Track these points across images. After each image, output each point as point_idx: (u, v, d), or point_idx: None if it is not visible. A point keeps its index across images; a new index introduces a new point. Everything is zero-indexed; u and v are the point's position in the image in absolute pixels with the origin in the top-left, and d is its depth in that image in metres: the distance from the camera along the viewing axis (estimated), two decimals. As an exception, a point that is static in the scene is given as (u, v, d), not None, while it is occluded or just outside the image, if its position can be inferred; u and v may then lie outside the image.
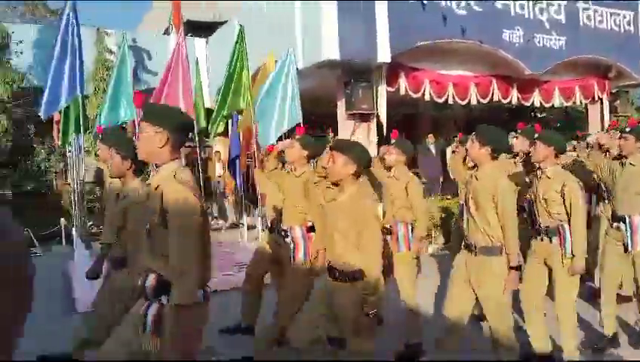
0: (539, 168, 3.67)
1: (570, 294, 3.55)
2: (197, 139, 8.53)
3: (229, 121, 8.97)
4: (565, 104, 11.40)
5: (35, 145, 10.32)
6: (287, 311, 3.72)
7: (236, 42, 8.38)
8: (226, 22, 12.72)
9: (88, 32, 10.64)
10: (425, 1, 8.86)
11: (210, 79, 12.33)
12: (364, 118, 9.06)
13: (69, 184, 10.25)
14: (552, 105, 11.12)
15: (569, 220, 3.48)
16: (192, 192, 2.10)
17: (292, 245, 3.87)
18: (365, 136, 8.95)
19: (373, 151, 9.04)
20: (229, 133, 9.22)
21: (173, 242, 2.05)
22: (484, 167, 3.22)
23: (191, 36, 12.35)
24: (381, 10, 8.57)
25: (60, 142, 7.97)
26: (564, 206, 3.50)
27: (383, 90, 9.09)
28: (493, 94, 10.16)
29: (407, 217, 4.16)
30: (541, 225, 3.63)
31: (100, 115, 7.98)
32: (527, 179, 4.14)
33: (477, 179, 3.26)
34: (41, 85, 9.89)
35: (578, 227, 3.44)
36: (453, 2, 9.17)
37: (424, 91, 9.51)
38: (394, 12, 8.61)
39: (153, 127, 2.17)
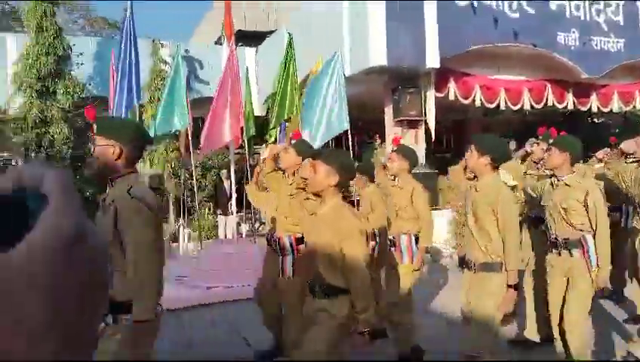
0: (553, 175, 3.45)
1: (586, 309, 3.31)
2: (246, 146, 8.68)
3: (278, 128, 9.10)
4: (624, 109, 10.89)
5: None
6: (289, 326, 3.61)
7: (286, 51, 8.51)
8: (274, 31, 12.93)
9: (144, 43, 11.05)
10: (475, 4, 8.71)
11: (260, 87, 12.55)
12: (412, 124, 8.97)
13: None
14: (611, 110, 10.65)
15: (593, 231, 3.25)
16: (146, 207, 2.08)
17: (280, 257, 3.68)
18: (413, 142, 8.86)
19: (421, 156, 8.94)
20: (277, 140, 9.35)
21: (131, 258, 2.03)
22: (483, 177, 3.04)
23: (241, 46, 12.61)
24: (430, 15, 8.49)
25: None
26: (588, 215, 3.25)
27: (431, 96, 8.98)
28: (547, 99, 9.85)
29: (412, 228, 4.03)
30: (558, 238, 3.37)
31: (155, 124, 8.26)
32: (529, 190, 3.87)
33: (476, 190, 3.07)
34: (100, 95, 10.39)
35: (604, 237, 3.20)
36: (506, 4, 8.96)
37: (474, 97, 9.33)
38: (443, 16, 8.51)
39: (106, 140, 2.16)
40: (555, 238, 3.39)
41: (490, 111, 10.16)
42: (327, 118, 8.01)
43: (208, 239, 9.73)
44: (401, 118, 8.89)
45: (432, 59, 8.49)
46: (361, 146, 11.38)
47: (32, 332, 0.33)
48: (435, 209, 7.42)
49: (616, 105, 10.51)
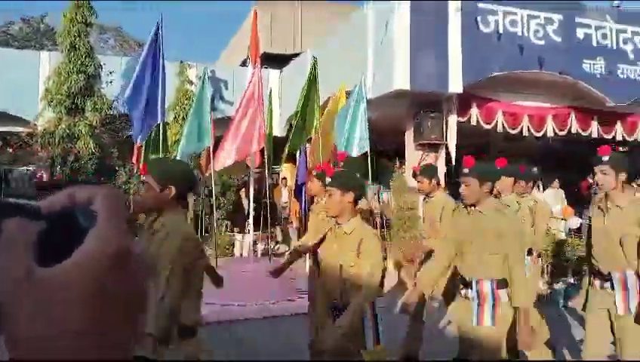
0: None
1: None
2: (266, 165, 8.75)
3: (298, 150, 9.18)
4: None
5: (117, 168, 11.01)
6: None
7: (310, 73, 8.65)
8: (299, 54, 13.13)
9: (171, 64, 11.34)
10: (500, 31, 8.70)
11: (282, 108, 12.69)
12: (433, 148, 8.93)
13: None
14: (636, 139, 10.42)
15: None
16: None
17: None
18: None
19: (442, 180, 8.88)
20: (297, 160, 9.42)
21: None
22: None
23: (265, 68, 12.82)
24: (454, 41, 8.52)
25: (140, 166, 8.45)
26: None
27: (453, 121, 8.96)
28: (571, 126, 9.72)
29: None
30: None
31: (181, 144, 8.47)
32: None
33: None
34: (127, 113, 10.64)
35: None
36: (531, 32, 8.93)
37: (497, 122, 9.27)
38: (467, 42, 8.53)
39: None
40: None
41: (511, 137, 10.06)
42: (348, 140, 8.07)
43: (224, 256, 9.75)
44: (422, 142, 8.87)
45: (455, 85, 8.49)
46: (380, 169, 11.37)
47: (75, 343, 0.35)
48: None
49: (643, 135, 10.30)
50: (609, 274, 3.08)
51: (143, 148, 8.09)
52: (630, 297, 2.99)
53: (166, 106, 9.30)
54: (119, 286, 0.36)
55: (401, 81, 8.36)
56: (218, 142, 10.01)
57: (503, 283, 2.86)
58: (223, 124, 11.28)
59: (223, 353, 4.41)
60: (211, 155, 8.73)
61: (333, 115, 8.90)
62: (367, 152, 7.96)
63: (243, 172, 11.24)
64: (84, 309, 0.35)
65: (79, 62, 10.41)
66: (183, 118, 12.03)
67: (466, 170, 3.00)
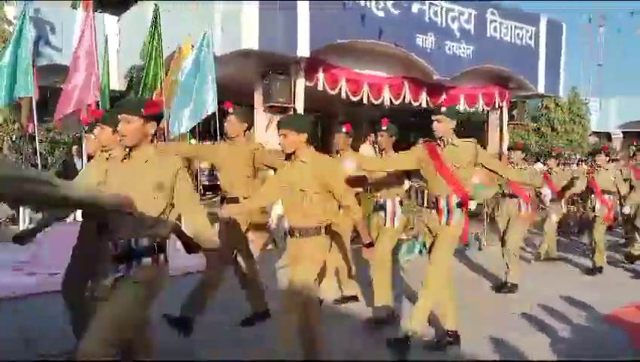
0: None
1: None
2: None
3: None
4: (469, 110, 12.09)
5: None
6: None
7: (152, 23, 8.06)
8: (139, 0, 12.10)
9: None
10: (345, 0, 8.97)
11: (120, 59, 11.69)
12: (281, 110, 9.03)
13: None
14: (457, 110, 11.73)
15: None
16: None
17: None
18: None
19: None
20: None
21: None
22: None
23: (100, 12, 11.62)
24: (302, 5, 8.57)
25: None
26: None
27: (301, 84, 9.12)
28: (405, 96, 10.55)
29: None
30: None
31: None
32: None
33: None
34: None
35: None
36: (372, 3, 9.36)
37: (340, 88, 9.66)
38: (315, 8, 8.64)
39: None
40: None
41: (352, 104, 10.59)
42: (195, 101, 7.77)
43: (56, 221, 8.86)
44: (271, 104, 8.90)
45: (303, 48, 8.60)
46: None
47: None
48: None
49: (462, 106, 11.62)
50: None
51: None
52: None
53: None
54: None
55: (250, 39, 8.22)
56: (44, 92, 8.91)
57: None
58: (49, 71, 10.07)
59: (50, 325, 4.06)
60: (34, 107, 7.77)
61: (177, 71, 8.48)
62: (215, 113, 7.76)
63: (76, 128, 10.19)
64: None
65: None
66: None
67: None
